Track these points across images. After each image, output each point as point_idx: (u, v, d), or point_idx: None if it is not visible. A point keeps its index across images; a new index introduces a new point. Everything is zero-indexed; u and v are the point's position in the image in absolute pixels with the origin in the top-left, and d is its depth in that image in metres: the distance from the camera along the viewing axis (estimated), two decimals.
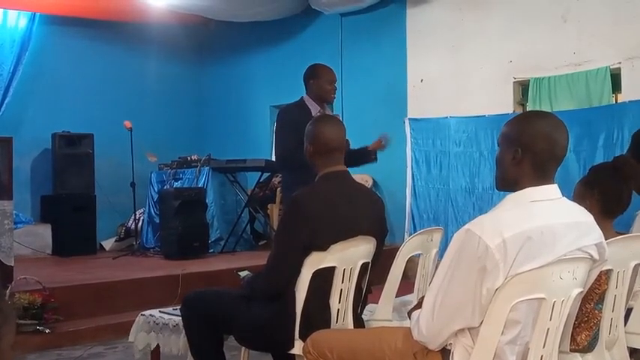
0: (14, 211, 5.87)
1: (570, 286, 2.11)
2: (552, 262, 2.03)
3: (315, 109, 4.80)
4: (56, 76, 8.98)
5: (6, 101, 8.50)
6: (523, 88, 7.36)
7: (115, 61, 9.45)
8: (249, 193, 8.61)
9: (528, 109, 7.01)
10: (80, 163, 8.47)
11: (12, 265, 5.43)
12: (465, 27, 7.79)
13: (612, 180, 2.86)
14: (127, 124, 8.12)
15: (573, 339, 2.48)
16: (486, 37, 7.56)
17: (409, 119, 8.08)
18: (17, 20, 8.65)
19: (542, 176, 2.15)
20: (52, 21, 8.97)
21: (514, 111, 7.19)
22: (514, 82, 7.35)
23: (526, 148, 2.13)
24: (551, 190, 2.16)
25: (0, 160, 5.90)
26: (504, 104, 7.27)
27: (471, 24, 7.72)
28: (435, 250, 3.58)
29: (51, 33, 8.99)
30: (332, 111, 5.31)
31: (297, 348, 2.80)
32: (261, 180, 8.56)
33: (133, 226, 8.69)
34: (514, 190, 2.17)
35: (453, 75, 7.85)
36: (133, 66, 9.63)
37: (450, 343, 2.13)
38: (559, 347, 2.20)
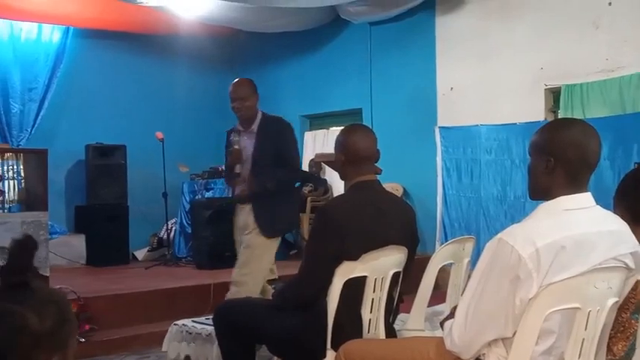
0: (49, 222, 5.96)
1: (605, 295, 2.08)
2: (587, 272, 2.01)
3: (237, 126, 4.80)
4: (89, 88, 9.11)
5: (41, 114, 8.64)
6: (555, 95, 7.28)
7: (146, 73, 9.56)
8: None
9: (560, 116, 6.93)
10: (113, 173, 8.57)
11: (47, 275, 5.51)
12: (494, 34, 7.74)
13: (634, 186, 2.82)
14: (159, 135, 8.20)
15: (609, 349, 2.45)
16: (516, 44, 7.50)
17: (439, 127, 8.04)
18: (51, 34, 8.81)
19: (575, 185, 2.13)
20: (85, 34, 9.10)
21: (545, 118, 7.11)
22: (545, 89, 7.27)
23: (558, 156, 2.11)
24: (585, 198, 2.14)
25: (35, 172, 6.01)
26: (535, 112, 7.20)
27: (501, 31, 7.68)
28: (467, 260, 3.56)
29: (84, 46, 9.13)
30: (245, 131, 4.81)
31: (330, 358, 2.80)
32: None
33: (165, 236, 8.77)
34: (547, 199, 2.15)
35: (483, 82, 7.81)
36: (164, 78, 9.73)
37: (483, 354, 2.11)
38: (595, 358, 2.17)
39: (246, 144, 4.70)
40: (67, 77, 8.87)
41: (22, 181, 7.54)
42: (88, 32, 9.08)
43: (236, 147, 4.63)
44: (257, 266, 4.55)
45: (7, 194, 7.37)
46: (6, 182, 7.31)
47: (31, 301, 1.20)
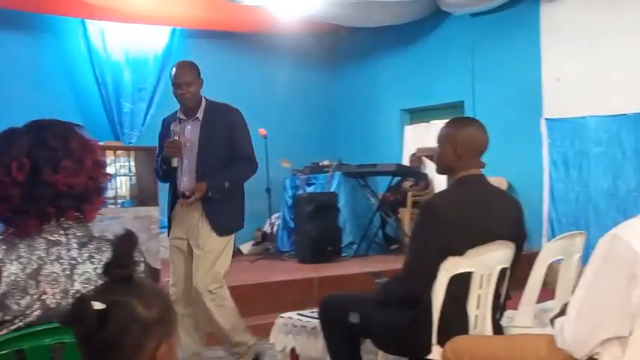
0: (159, 217, 6.19)
1: None
2: None
3: (178, 114, 4.33)
4: None
5: (150, 113, 8.98)
6: None
7: (250, 71, 9.74)
8: (380, 198, 8.64)
9: None
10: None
11: (159, 267, 5.73)
12: (603, 20, 7.44)
13: None
14: (262, 131, 8.36)
15: None
16: (626, 31, 7.17)
17: (546, 120, 7.81)
18: (159, 36, 9.15)
19: None
20: (190, 35, 9.39)
21: None
22: None
23: None
24: None
25: (146, 169, 6.27)
26: None
27: (610, 17, 7.36)
28: (577, 255, 3.45)
29: (189, 46, 9.39)
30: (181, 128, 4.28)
31: (436, 353, 2.78)
32: (392, 184, 8.57)
33: (269, 231, 8.94)
34: None
35: (592, 72, 7.52)
36: (266, 75, 9.90)
37: (597, 352, 2.05)
38: None
39: (190, 134, 4.26)
40: None
41: (134, 177, 7.87)
42: (193, 32, 9.37)
43: (176, 137, 4.16)
44: (223, 268, 4.27)
45: (118, 190, 7.72)
46: (118, 179, 7.66)
47: (136, 292, 1.28)
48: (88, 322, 1.21)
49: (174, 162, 4.19)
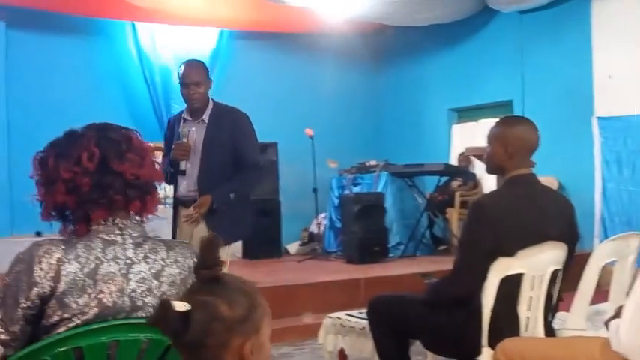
0: None
1: None
2: None
3: (183, 114, 4.17)
4: (242, 88, 9.40)
5: None
6: None
7: (296, 72, 9.78)
8: (427, 198, 8.59)
9: None
10: (266, 170, 8.82)
11: None
12: None
13: None
14: (309, 132, 8.39)
15: None
16: None
17: (597, 118, 7.66)
18: (207, 38, 9.25)
19: None
20: (238, 36, 9.48)
21: None
22: None
23: None
24: None
25: None
26: None
27: None
28: (632, 257, 3.37)
29: (237, 47, 9.50)
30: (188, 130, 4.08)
31: (486, 355, 2.75)
32: (439, 184, 8.52)
33: (315, 231, 8.97)
34: None
35: None
36: (312, 75, 9.91)
37: None
38: None
39: (195, 135, 4.07)
40: (221, 78, 9.24)
41: None
42: (241, 34, 9.46)
43: (185, 140, 4.00)
44: None
45: (165, 190, 7.82)
46: None
47: (221, 292, 1.32)
48: (172, 323, 1.26)
49: (183, 165, 4.05)
